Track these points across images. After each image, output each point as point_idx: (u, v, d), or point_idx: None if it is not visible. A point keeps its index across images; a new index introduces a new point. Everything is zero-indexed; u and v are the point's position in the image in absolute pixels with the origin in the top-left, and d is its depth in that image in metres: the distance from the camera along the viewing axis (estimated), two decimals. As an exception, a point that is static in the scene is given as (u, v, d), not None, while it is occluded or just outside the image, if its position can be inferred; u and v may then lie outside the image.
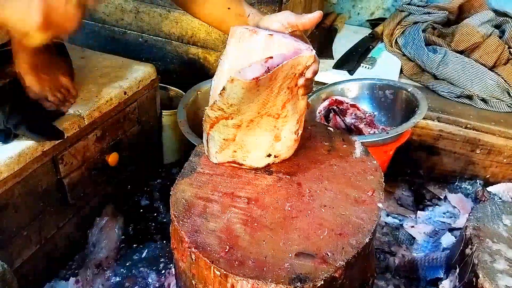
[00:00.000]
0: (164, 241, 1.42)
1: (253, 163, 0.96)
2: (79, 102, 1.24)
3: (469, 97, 1.73)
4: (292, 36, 0.87)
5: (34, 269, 1.22)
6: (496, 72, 1.74)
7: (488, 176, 1.71)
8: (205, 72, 1.76)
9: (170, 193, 0.92)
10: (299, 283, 0.73)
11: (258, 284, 0.73)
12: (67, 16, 0.68)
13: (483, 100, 1.72)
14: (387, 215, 1.60)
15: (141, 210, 1.54)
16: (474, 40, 1.77)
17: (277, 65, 0.79)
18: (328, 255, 0.79)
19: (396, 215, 1.61)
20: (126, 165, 1.44)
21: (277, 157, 0.97)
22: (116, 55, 1.52)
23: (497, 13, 1.90)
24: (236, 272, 0.75)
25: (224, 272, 0.75)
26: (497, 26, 1.85)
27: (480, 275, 1.02)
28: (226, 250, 0.79)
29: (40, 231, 1.20)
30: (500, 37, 1.78)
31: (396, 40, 1.92)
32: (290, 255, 0.79)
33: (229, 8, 0.96)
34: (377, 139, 1.36)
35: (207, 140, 0.95)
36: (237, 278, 0.74)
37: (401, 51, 1.90)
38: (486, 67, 1.74)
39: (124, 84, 1.37)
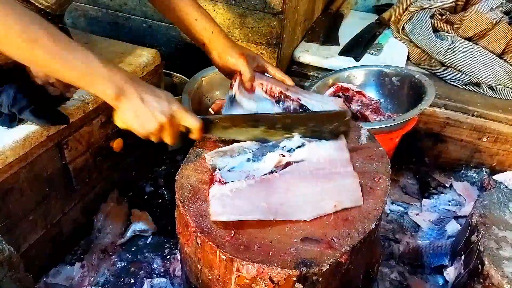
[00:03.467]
0: (169, 227, 1.43)
1: None
2: (84, 87, 1.24)
3: (477, 85, 1.71)
4: None
5: (40, 253, 1.22)
6: (504, 59, 1.71)
7: (494, 164, 1.70)
8: (209, 58, 1.74)
9: (175, 178, 0.92)
10: (304, 267, 0.73)
11: (263, 269, 0.73)
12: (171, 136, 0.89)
13: (491, 87, 1.70)
14: (392, 203, 1.60)
15: (146, 197, 1.54)
16: (482, 26, 1.74)
17: None
18: (334, 240, 0.79)
19: (401, 203, 1.60)
20: (130, 151, 1.44)
21: None
22: (120, 40, 1.51)
23: (507, -2, 1.87)
24: (242, 256, 0.75)
25: (230, 257, 0.75)
26: (506, 13, 1.81)
27: (486, 262, 1.02)
28: (232, 235, 0.79)
29: (45, 216, 1.20)
30: (510, 24, 1.74)
31: (403, 26, 1.89)
32: (296, 240, 0.79)
33: (196, 20, 1.07)
34: (383, 126, 1.35)
35: None
36: (243, 263, 0.74)
37: (408, 37, 1.87)
38: (494, 54, 1.72)
39: (128, 69, 1.35)
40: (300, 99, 1.05)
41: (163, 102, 0.86)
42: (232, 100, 1.05)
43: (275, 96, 1.07)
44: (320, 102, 1.08)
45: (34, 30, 0.75)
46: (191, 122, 0.89)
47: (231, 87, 1.06)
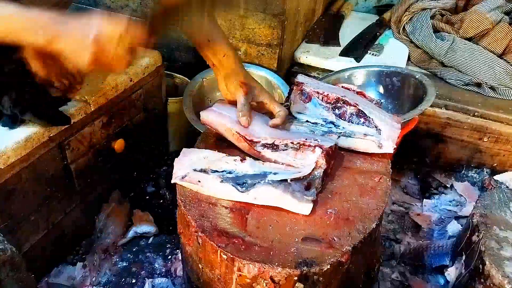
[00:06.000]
0: (170, 227, 1.43)
1: None
2: (85, 88, 1.24)
3: (478, 85, 1.72)
4: None
5: (41, 254, 1.23)
6: (505, 60, 1.71)
7: (495, 165, 1.70)
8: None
9: (177, 178, 0.92)
10: (305, 267, 0.73)
11: (264, 268, 0.74)
12: (117, 59, 0.75)
13: (492, 87, 1.70)
14: (393, 203, 1.60)
15: (147, 197, 1.54)
16: (483, 26, 1.74)
17: None
18: (335, 240, 0.79)
19: (402, 203, 1.61)
20: (132, 152, 1.45)
21: None
22: (122, 41, 1.51)
23: (508, -1, 1.87)
24: (243, 256, 0.75)
25: (231, 256, 0.76)
26: (507, 13, 1.82)
27: (487, 262, 1.02)
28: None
29: (47, 217, 1.21)
30: (510, 24, 1.75)
31: (403, 26, 1.89)
32: (297, 239, 0.79)
33: (209, 41, 0.99)
34: (384, 126, 1.35)
35: None
36: (244, 262, 0.75)
37: (408, 38, 1.87)
38: (495, 54, 1.72)
39: (129, 70, 1.36)
40: (358, 104, 1.03)
41: (95, 19, 0.74)
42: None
43: (332, 102, 1.06)
44: (378, 112, 1.06)
45: None
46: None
47: (287, 99, 1.07)
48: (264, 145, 0.94)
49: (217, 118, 0.99)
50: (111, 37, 0.75)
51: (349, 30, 1.95)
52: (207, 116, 1.00)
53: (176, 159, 0.95)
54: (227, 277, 0.80)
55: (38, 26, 0.75)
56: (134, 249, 1.36)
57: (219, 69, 1.02)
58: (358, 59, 1.74)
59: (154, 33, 0.79)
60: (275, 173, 0.88)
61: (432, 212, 1.56)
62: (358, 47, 1.81)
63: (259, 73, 1.66)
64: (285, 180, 0.86)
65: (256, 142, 0.94)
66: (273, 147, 0.93)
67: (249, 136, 0.94)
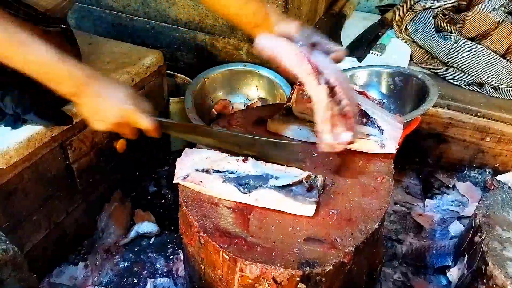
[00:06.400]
0: (172, 227, 1.43)
1: None
2: (87, 88, 1.24)
3: (480, 85, 1.71)
4: None
5: (43, 253, 1.23)
6: (508, 60, 1.71)
7: (497, 165, 1.69)
8: (212, 59, 1.75)
9: (179, 178, 0.92)
10: (308, 268, 0.73)
11: (267, 269, 0.73)
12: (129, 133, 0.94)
13: (494, 87, 1.70)
14: (395, 204, 1.59)
15: (149, 197, 1.54)
16: (485, 26, 1.73)
17: None
18: (337, 241, 0.79)
19: (404, 204, 1.60)
20: (134, 152, 1.44)
21: None
22: (123, 41, 1.52)
23: (511, -1, 1.86)
24: (245, 256, 0.75)
25: (233, 257, 0.75)
26: (510, 13, 1.81)
27: (490, 263, 1.02)
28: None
29: (49, 216, 1.21)
30: (513, 24, 1.74)
31: (406, 26, 1.89)
32: (299, 240, 0.79)
33: (246, 3, 0.98)
34: (386, 126, 1.35)
35: None
36: (246, 263, 0.74)
37: (411, 37, 1.87)
38: (497, 54, 1.71)
39: (131, 70, 1.36)
40: (360, 104, 1.02)
41: (117, 102, 0.88)
42: (288, 111, 1.05)
43: None
44: (380, 112, 1.06)
45: None
46: (143, 124, 0.91)
47: (289, 99, 1.07)
48: (327, 82, 0.87)
49: (276, 41, 0.91)
50: (131, 123, 0.90)
51: (351, 29, 1.95)
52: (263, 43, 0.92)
53: (178, 159, 0.95)
54: (229, 277, 0.80)
55: (69, 79, 0.85)
56: (135, 249, 1.36)
57: (265, 25, 0.97)
58: (360, 59, 1.74)
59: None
60: (276, 178, 0.88)
61: (434, 213, 1.56)
62: (360, 47, 1.81)
63: (261, 73, 1.65)
64: (287, 185, 0.86)
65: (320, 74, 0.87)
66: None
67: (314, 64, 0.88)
